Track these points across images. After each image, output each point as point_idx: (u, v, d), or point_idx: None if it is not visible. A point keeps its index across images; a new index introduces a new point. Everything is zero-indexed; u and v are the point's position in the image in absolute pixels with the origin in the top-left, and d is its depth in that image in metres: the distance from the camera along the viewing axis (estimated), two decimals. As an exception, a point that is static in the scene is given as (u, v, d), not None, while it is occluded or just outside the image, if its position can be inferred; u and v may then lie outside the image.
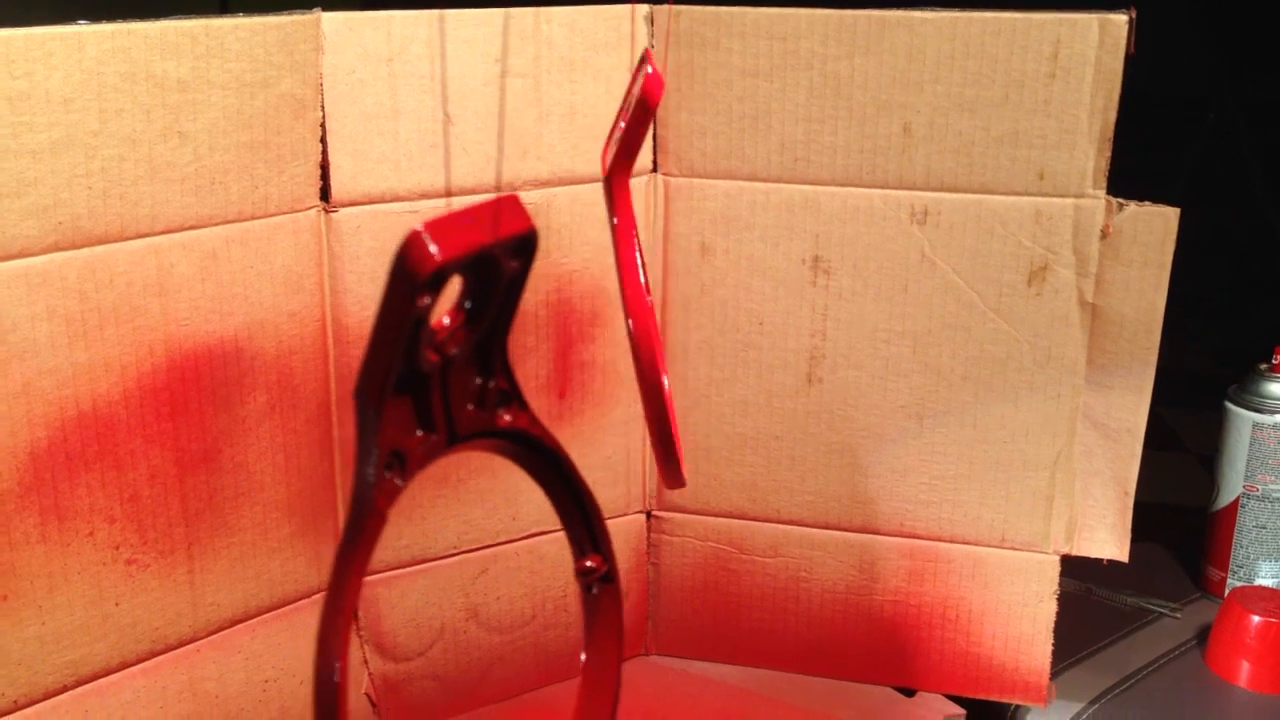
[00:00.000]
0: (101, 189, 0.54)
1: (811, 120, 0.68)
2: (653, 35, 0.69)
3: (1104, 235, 0.66)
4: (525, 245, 0.36)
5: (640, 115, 0.49)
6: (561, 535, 0.75)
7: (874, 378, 0.71)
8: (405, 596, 0.70)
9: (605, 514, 0.74)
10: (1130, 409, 0.68)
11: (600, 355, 0.73)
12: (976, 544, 0.72)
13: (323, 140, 0.62)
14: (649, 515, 0.77)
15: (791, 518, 0.75)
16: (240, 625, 0.64)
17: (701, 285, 0.72)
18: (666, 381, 0.50)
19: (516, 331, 0.70)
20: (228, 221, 0.59)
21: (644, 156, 0.70)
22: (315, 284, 0.63)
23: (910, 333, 0.70)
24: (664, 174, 0.71)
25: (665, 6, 0.68)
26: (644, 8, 0.69)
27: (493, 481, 0.71)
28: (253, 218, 0.60)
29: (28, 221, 0.52)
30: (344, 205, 0.63)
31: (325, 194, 0.63)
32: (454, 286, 0.35)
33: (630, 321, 0.49)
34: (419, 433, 0.35)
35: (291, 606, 0.66)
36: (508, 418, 0.39)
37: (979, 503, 0.72)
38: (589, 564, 0.42)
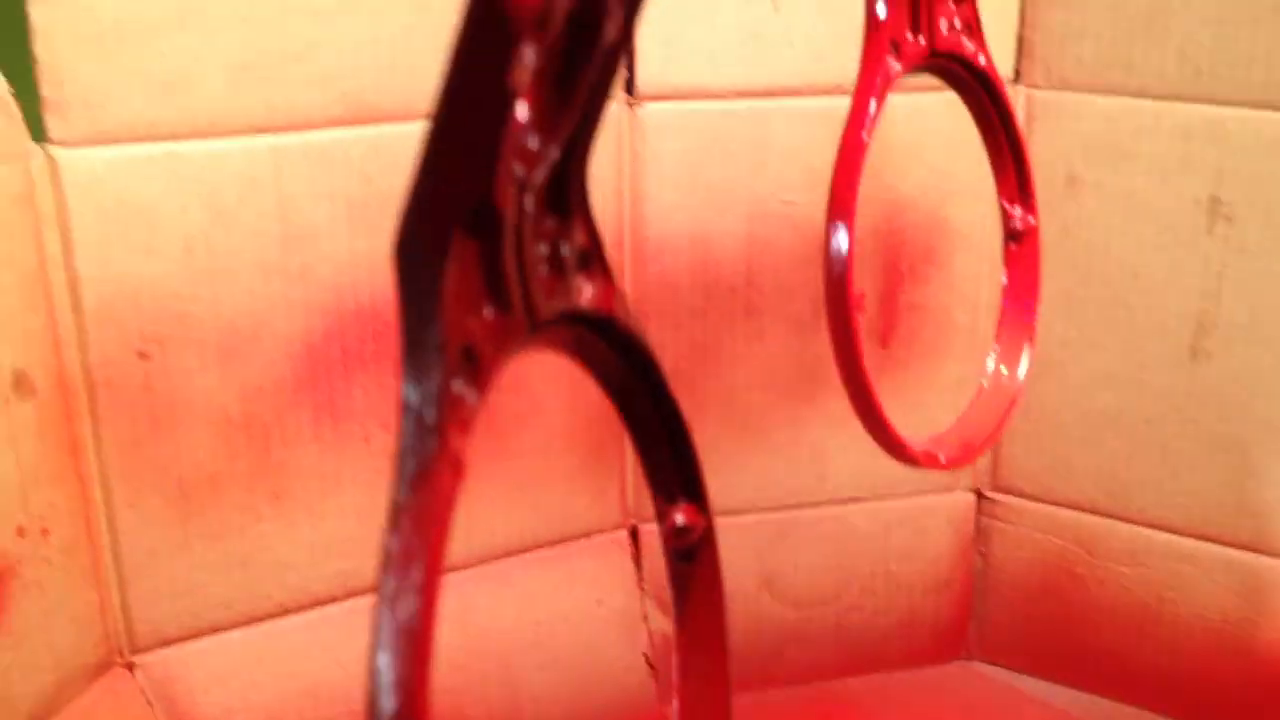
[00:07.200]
0: (389, 60, 0.51)
1: (1223, 22, 0.56)
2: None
3: None
4: None
5: None
6: (875, 506, 0.67)
7: (1281, 356, 0.58)
8: (692, 553, 0.64)
9: (926, 488, 0.67)
10: None
11: (933, 299, 0.64)
12: None
13: (631, 26, 0.57)
14: (979, 495, 0.68)
15: (1158, 521, 0.63)
16: (513, 558, 0.60)
17: (1064, 225, 0.61)
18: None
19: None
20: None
21: (1003, 64, 0.60)
22: (614, 190, 0.58)
23: (1336, 299, 0.57)
24: (1027, 85, 0.61)
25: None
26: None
27: (797, 434, 0.64)
28: (550, 110, 0.56)
29: (310, 90, 0.50)
30: (649, 99, 0.58)
31: (629, 85, 0.58)
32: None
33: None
34: (487, 311, 0.20)
35: (569, 544, 0.62)
36: (589, 291, 0.23)
37: None
38: (679, 518, 0.26)
